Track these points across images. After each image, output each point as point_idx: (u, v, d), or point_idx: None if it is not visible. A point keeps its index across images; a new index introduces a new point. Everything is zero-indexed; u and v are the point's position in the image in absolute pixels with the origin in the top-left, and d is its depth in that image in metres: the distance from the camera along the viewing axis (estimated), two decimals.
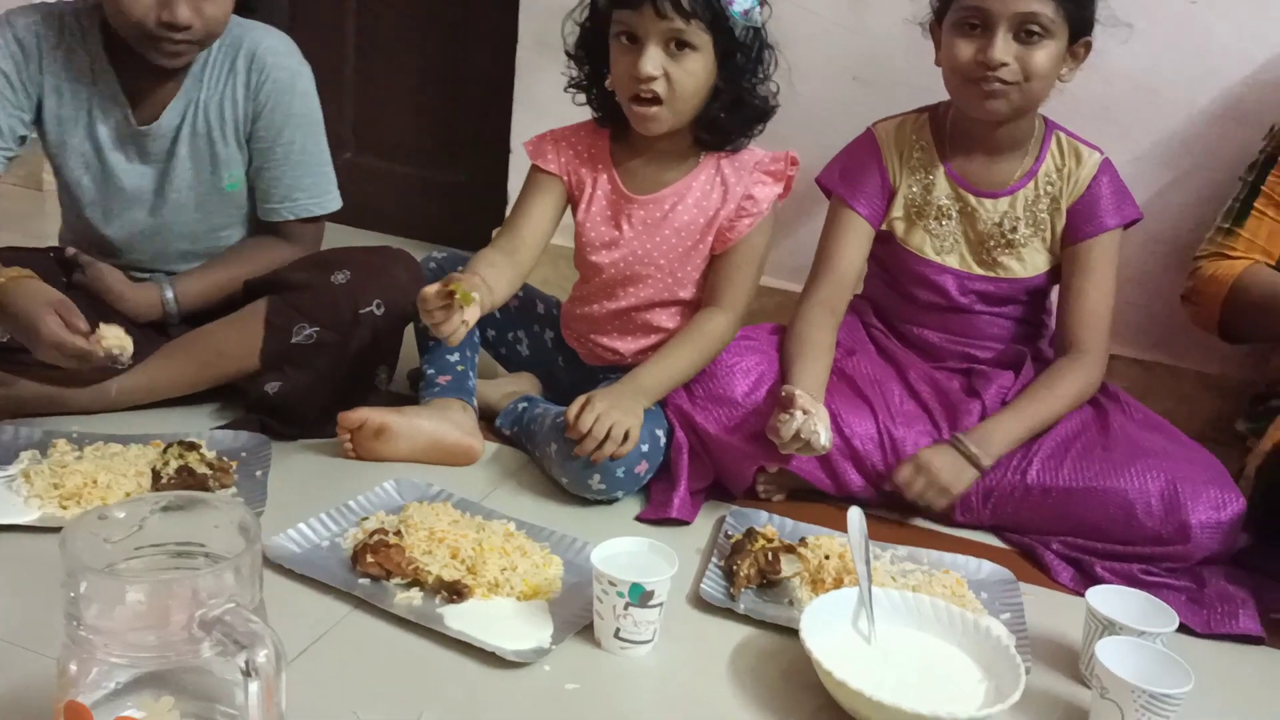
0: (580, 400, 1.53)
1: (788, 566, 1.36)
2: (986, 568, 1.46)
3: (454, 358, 1.71)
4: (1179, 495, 1.47)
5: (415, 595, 1.29)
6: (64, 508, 1.38)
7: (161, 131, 1.69)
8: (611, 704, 1.17)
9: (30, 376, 1.60)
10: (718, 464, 1.60)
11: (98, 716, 0.89)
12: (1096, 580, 1.43)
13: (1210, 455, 1.54)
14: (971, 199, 1.70)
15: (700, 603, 1.34)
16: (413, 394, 1.79)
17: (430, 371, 1.72)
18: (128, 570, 0.94)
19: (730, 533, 1.48)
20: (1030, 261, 1.70)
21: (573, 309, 1.79)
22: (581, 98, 1.67)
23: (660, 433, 1.58)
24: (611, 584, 1.20)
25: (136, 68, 1.64)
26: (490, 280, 1.53)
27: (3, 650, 1.14)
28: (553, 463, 1.58)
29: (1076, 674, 1.28)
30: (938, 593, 1.35)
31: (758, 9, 1.54)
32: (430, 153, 2.74)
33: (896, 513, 1.62)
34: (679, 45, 1.51)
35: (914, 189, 1.72)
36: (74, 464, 1.44)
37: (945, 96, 1.69)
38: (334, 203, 1.83)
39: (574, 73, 1.66)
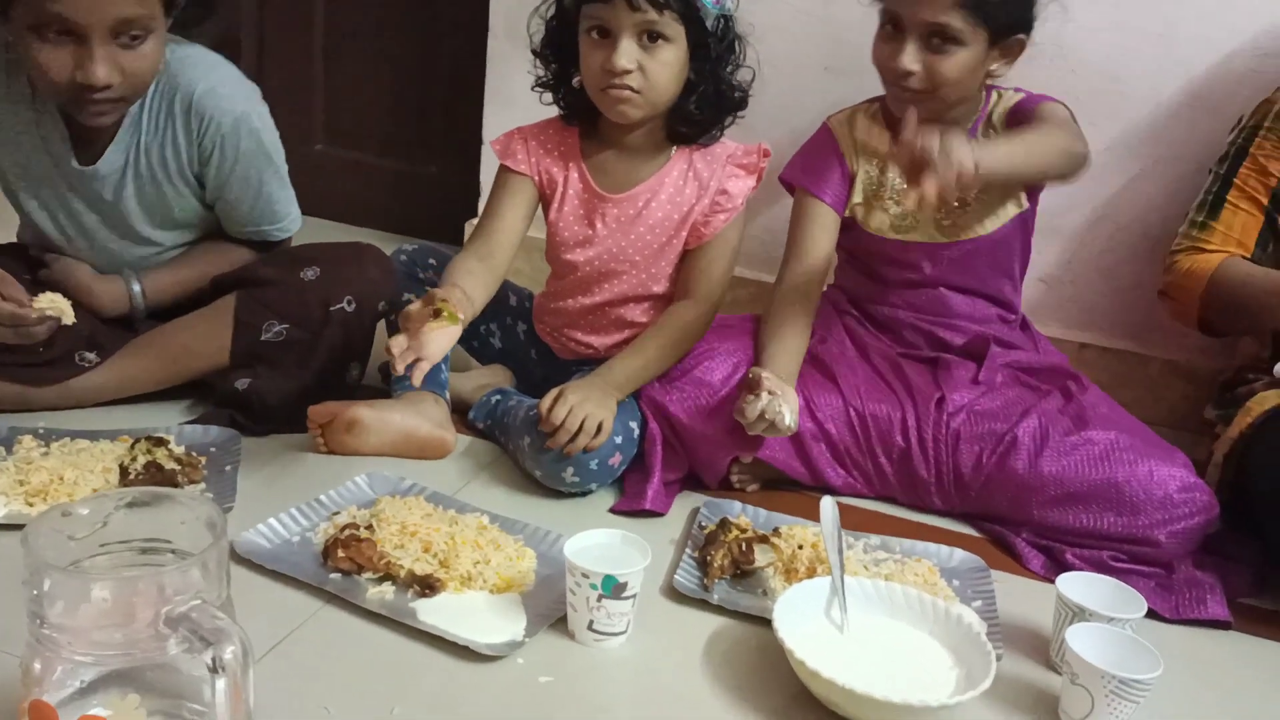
0: (553, 393, 1.53)
1: (761, 556, 1.37)
2: (958, 555, 1.47)
3: None
4: (1152, 483, 1.48)
5: (387, 590, 1.28)
6: (30, 505, 1.36)
7: (105, 173, 1.62)
8: (585, 696, 1.17)
9: None
10: (692, 454, 1.60)
11: (63, 716, 0.88)
12: (1067, 567, 1.44)
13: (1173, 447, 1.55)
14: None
15: (674, 593, 1.34)
16: (384, 387, 1.78)
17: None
18: (92, 567, 0.93)
19: (704, 523, 1.48)
20: (989, 215, 1.71)
21: (545, 303, 1.78)
22: (549, 96, 1.66)
23: (634, 424, 1.58)
24: (585, 576, 1.20)
25: None
26: (470, 290, 1.50)
27: None
28: (526, 456, 1.57)
29: (1047, 660, 1.29)
30: (910, 581, 1.35)
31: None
32: (401, 144, 2.72)
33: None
34: (652, 37, 1.50)
35: (870, 173, 1.74)
36: (40, 460, 1.43)
37: None
38: (294, 225, 1.79)
39: (540, 72, 1.64)
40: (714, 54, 1.55)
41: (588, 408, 1.50)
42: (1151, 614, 1.33)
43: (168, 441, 1.50)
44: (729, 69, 1.59)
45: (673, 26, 1.50)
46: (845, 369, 1.67)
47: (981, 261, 1.73)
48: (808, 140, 1.80)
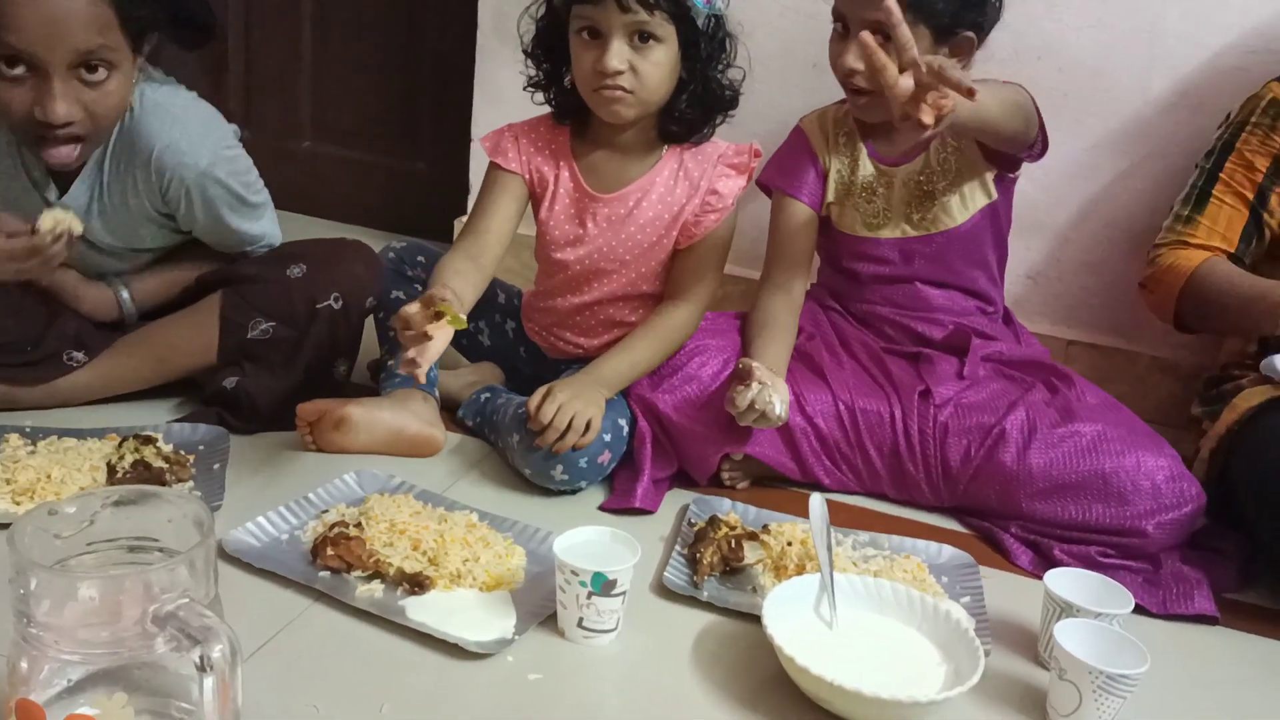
0: (541, 391, 1.53)
1: (750, 553, 1.37)
2: (947, 552, 1.47)
3: None
4: (1140, 474, 1.48)
5: (376, 588, 1.28)
6: (17, 503, 1.36)
7: (73, 205, 1.58)
8: (575, 693, 1.17)
9: None
10: (681, 452, 1.61)
11: (50, 715, 0.88)
12: (1055, 563, 1.45)
13: (1160, 438, 1.56)
14: (890, 168, 1.74)
15: (664, 591, 1.34)
16: (373, 385, 1.78)
17: (391, 363, 1.71)
18: (79, 566, 0.93)
19: (693, 521, 1.48)
20: (958, 208, 1.72)
21: (534, 302, 1.78)
22: (540, 96, 1.65)
23: (623, 422, 1.58)
24: (574, 573, 1.20)
25: None
26: (460, 291, 1.49)
27: None
28: (515, 453, 1.57)
29: (1035, 656, 1.29)
30: (898, 577, 1.36)
31: None
32: (389, 141, 2.72)
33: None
34: (643, 37, 1.50)
35: (842, 171, 1.76)
36: (27, 459, 1.42)
37: None
38: (275, 242, 1.76)
39: (531, 72, 1.63)
40: (705, 53, 1.55)
41: (576, 405, 1.50)
42: (1139, 609, 1.34)
43: (155, 440, 1.49)
44: (720, 68, 1.58)
45: (663, 26, 1.50)
46: (833, 364, 1.68)
47: (954, 254, 1.74)
48: (782, 143, 1.82)
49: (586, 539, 1.26)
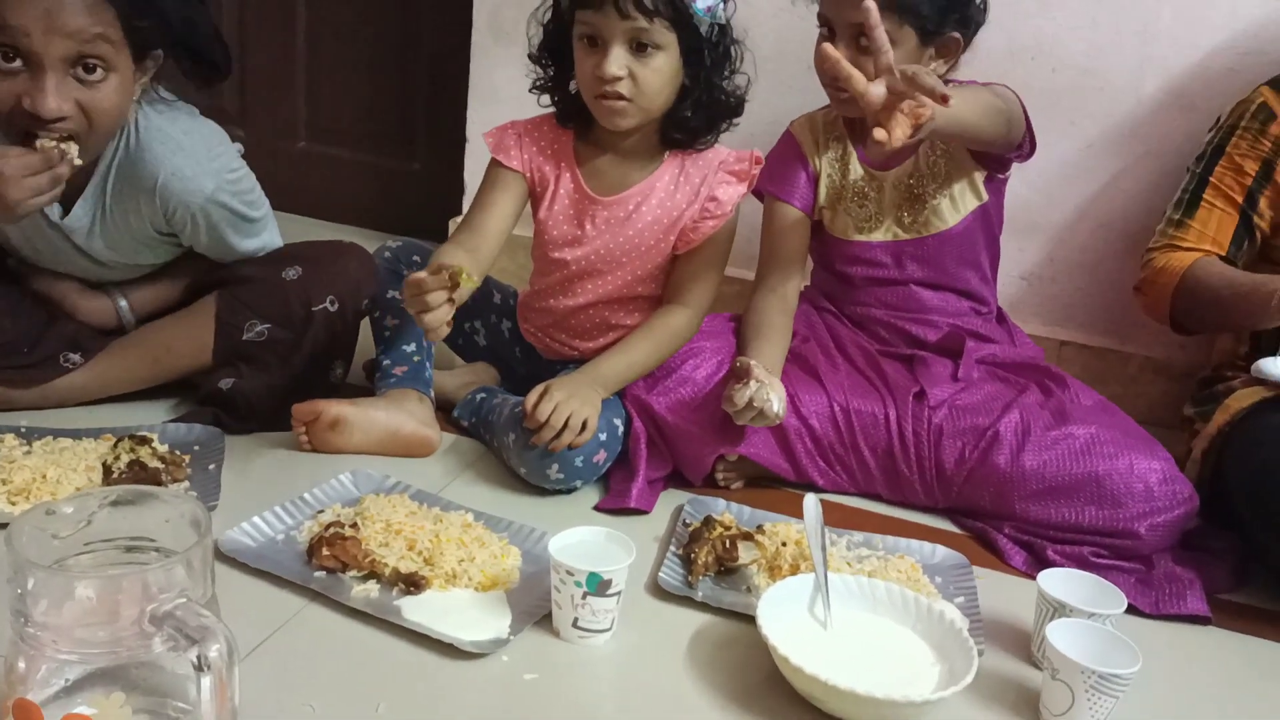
0: (538, 389, 1.53)
1: (745, 553, 1.37)
2: (940, 552, 1.48)
3: (410, 348, 1.70)
4: (1133, 476, 1.49)
5: (372, 588, 1.28)
6: (12, 504, 1.36)
7: (75, 226, 1.59)
8: (570, 693, 1.17)
9: None
10: (676, 452, 1.61)
11: (48, 714, 0.88)
12: (1048, 563, 1.45)
13: (1154, 439, 1.57)
14: (880, 172, 1.74)
15: (658, 591, 1.35)
16: (368, 385, 1.78)
17: (386, 362, 1.71)
18: (76, 566, 0.93)
19: (688, 521, 1.49)
20: (949, 210, 1.73)
21: (530, 302, 1.78)
22: (545, 99, 1.65)
23: (618, 422, 1.58)
24: (569, 573, 1.20)
25: None
26: (457, 255, 1.49)
27: None
28: (511, 452, 1.57)
29: (1029, 656, 1.30)
30: (893, 577, 1.36)
31: (721, 5, 1.53)
32: (384, 141, 2.72)
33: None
34: (643, 45, 1.49)
35: (833, 175, 1.77)
36: (22, 459, 1.42)
37: None
38: (274, 246, 1.75)
39: (537, 75, 1.63)
40: (708, 61, 1.55)
41: (573, 405, 1.51)
42: (1132, 609, 1.34)
43: (151, 440, 1.49)
44: (724, 76, 1.58)
45: (663, 34, 1.49)
46: (828, 366, 1.69)
47: (947, 256, 1.75)
48: (773, 147, 1.82)
49: (581, 539, 1.27)
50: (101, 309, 1.70)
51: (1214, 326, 1.76)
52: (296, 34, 2.70)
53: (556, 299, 1.71)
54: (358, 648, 1.20)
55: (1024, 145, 1.65)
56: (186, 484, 1.47)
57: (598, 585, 1.20)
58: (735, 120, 1.63)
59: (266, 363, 1.63)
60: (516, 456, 1.56)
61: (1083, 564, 1.45)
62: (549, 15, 1.59)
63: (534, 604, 1.28)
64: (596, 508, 1.55)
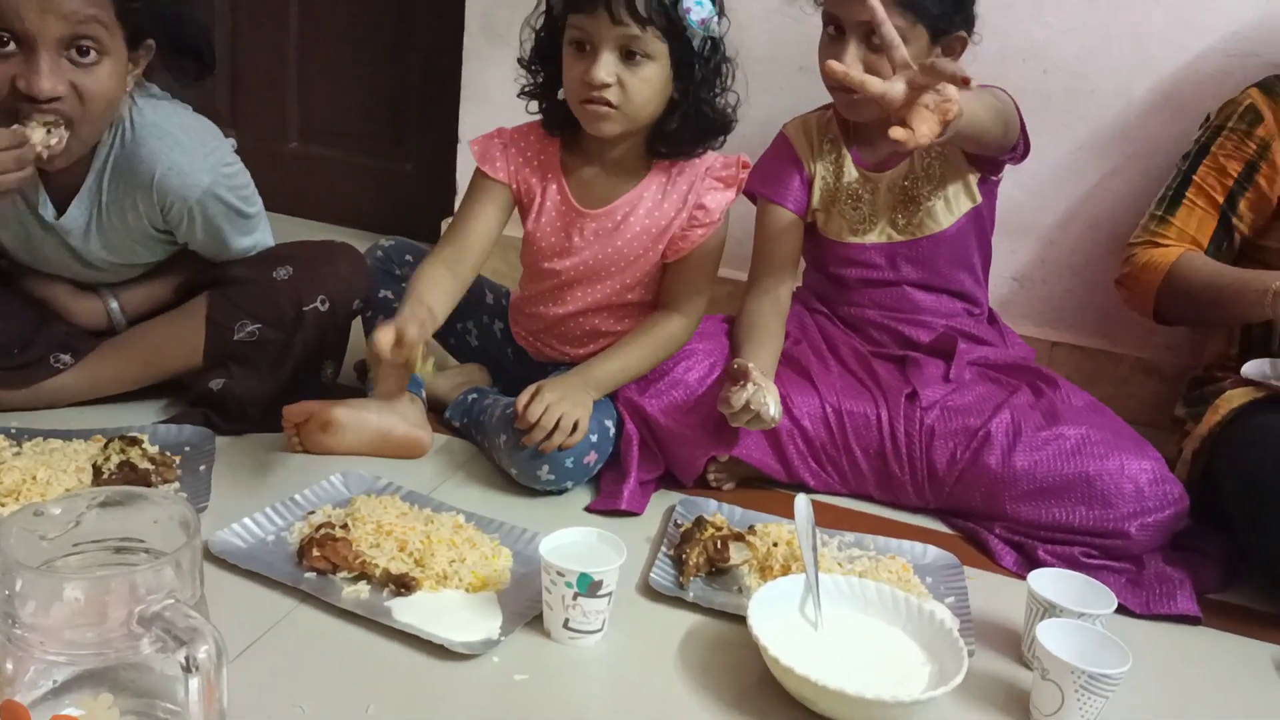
0: (530, 390, 1.53)
1: (736, 554, 1.37)
2: (931, 553, 1.48)
3: None
4: (1123, 477, 1.49)
5: (362, 589, 1.28)
6: (2, 505, 1.35)
7: (69, 227, 1.59)
8: (561, 694, 1.17)
9: None
10: (668, 454, 1.61)
11: (36, 715, 0.88)
12: (1039, 563, 1.45)
13: (1143, 439, 1.57)
14: (875, 175, 1.74)
15: (650, 591, 1.35)
16: (360, 386, 1.78)
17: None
18: (65, 567, 0.93)
19: (680, 521, 1.49)
20: (943, 212, 1.73)
21: (521, 307, 1.78)
22: (534, 105, 1.64)
23: (609, 423, 1.58)
24: (560, 574, 1.20)
25: None
26: (436, 305, 1.49)
27: None
28: (502, 453, 1.57)
29: (1019, 656, 1.30)
30: (884, 578, 1.36)
31: (716, 20, 1.52)
32: (377, 142, 2.72)
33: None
34: (633, 53, 1.48)
35: (827, 177, 1.77)
36: (12, 460, 1.41)
37: None
38: (266, 245, 1.75)
39: (526, 80, 1.62)
40: (699, 75, 1.53)
41: (564, 406, 1.50)
42: (1122, 609, 1.35)
43: (141, 441, 1.49)
44: (714, 92, 1.57)
45: (655, 44, 1.48)
46: (820, 368, 1.69)
47: (940, 257, 1.75)
48: (766, 149, 1.82)
49: (573, 540, 1.27)
50: (92, 310, 1.70)
51: (1198, 320, 1.77)
52: (289, 35, 2.70)
53: (547, 306, 1.71)
54: (348, 649, 1.20)
55: (1018, 147, 1.65)
56: (177, 485, 1.46)
57: (588, 586, 1.20)
58: (723, 138, 1.62)
59: (257, 363, 1.63)
60: (507, 457, 1.56)
61: (1073, 564, 1.45)
62: (542, 21, 1.58)
63: (525, 605, 1.28)
64: (588, 509, 1.55)
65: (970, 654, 1.20)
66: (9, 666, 0.88)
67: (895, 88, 1.30)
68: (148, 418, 1.64)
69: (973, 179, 1.72)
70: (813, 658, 1.14)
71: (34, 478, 1.38)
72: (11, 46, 1.39)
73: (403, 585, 1.27)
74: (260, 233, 1.73)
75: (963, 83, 1.27)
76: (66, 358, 1.63)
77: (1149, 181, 1.95)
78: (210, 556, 1.29)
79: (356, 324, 1.75)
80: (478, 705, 1.14)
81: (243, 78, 2.75)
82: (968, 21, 1.64)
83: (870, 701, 1.09)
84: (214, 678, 0.85)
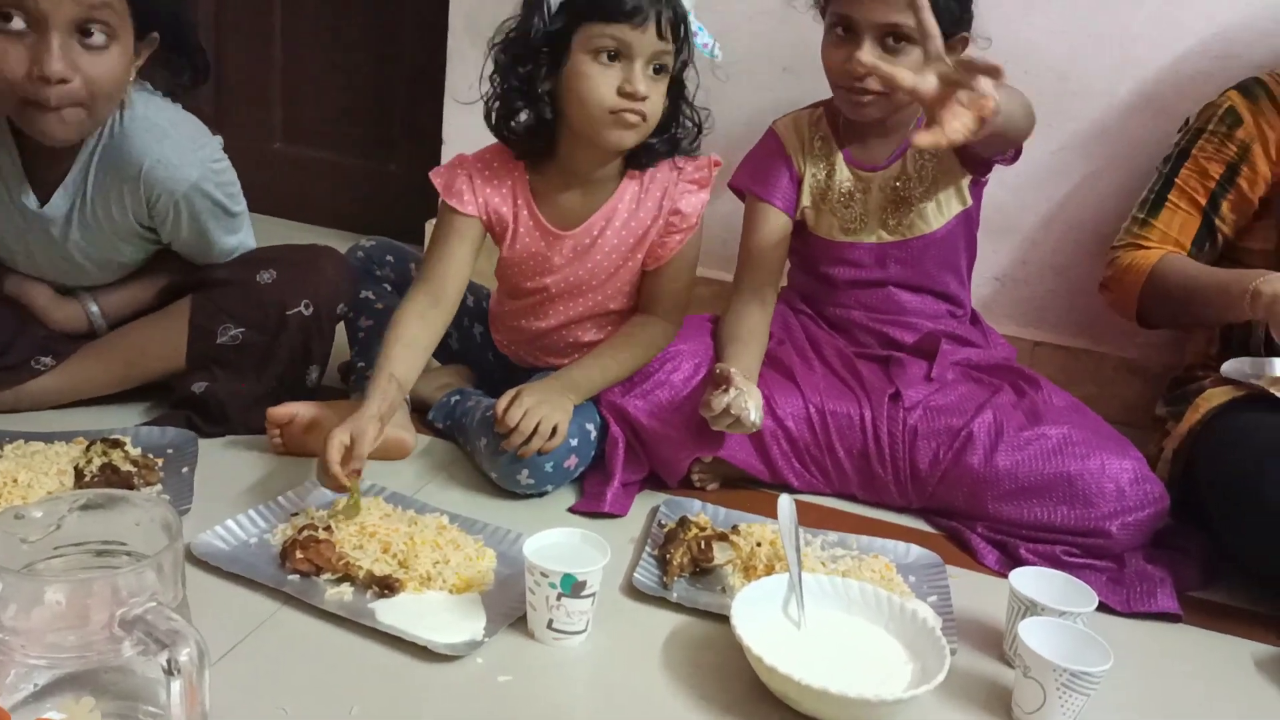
0: (510, 394, 1.53)
1: (720, 554, 1.38)
2: (914, 552, 1.49)
3: None
4: (1104, 476, 1.50)
5: (346, 590, 1.28)
6: None
7: (52, 216, 1.57)
8: (545, 695, 1.17)
9: None
10: (652, 456, 1.61)
11: (16, 719, 0.88)
12: (1021, 562, 1.46)
13: (1124, 438, 1.58)
14: (867, 174, 1.75)
15: (634, 592, 1.35)
16: (343, 388, 1.78)
17: (361, 365, 1.71)
18: (46, 570, 0.93)
19: (663, 522, 1.49)
20: (934, 213, 1.74)
21: (501, 319, 1.77)
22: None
23: (590, 427, 1.58)
24: (544, 575, 1.20)
25: (35, 144, 1.52)
26: (407, 372, 1.50)
27: None
28: (482, 457, 1.57)
29: (1001, 654, 1.30)
30: (867, 577, 1.37)
31: (717, 45, 1.54)
32: (360, 142, 2.71)
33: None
34: (662, 68, 1.49)
35: (818, 176, 1.77)
36: None
37: None
38: (249, 247, 1.74)
39: (494, 94, 1.55)
40: (682, 90, 1.55)
41: (543, 410, 1.50)
42: (1103, 607, 1.35)
43: (124, 443, 1.48)
44: (689, 108, 1.58)
45: (672, 60, 1.50)
46: (803, 368, 1.69)
47: (929, 259, 1.76)
48: (755, 146, 1.82)
49: (556, 541, 1.27)
50: (72, 314, 1.69)
51: (1180, 321, 1.78)
52: (273, 36, 2.69)
53: (528, 320, 1.70)
54: (332, 651, 1.20)
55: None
56: (159, 487, 1.46)
57: (572, 587, 1.20)
58: (698, 143, 1.62)
59: (240, 366, 1.63)
60: (487, 461, 1.56)
61: (1055, 563, 1.45)
62: (539, 25, 1.49)
63: (509, 606, 1.28)
64: (572, 510, 1.55)
65: (952, 652, 1.20)
66: None
67: (928, 81, 1.29)
68: (130, 420, 1.63)
69: (964, 181, 1.73)
70: (796, 657, 1.14)
71: (15, 480, 1.37)
72: (23, 26, 1.38)
73: (386, 587, 1.27)
74: (245, 233, 1.73)
75: (997, 73, 1.26)
76: (48, 360, 1.62)
77: (1131, 182, 1.97)
78: (193, 559, 1.29)
79: (340, 327, 1.75)
80: (461, 706, 1.14)
81: (227, 79, 2.74)
82: (970, 21, 1.65)
83: (853, 700, 1.09)
84: (196, 680, 0.85)
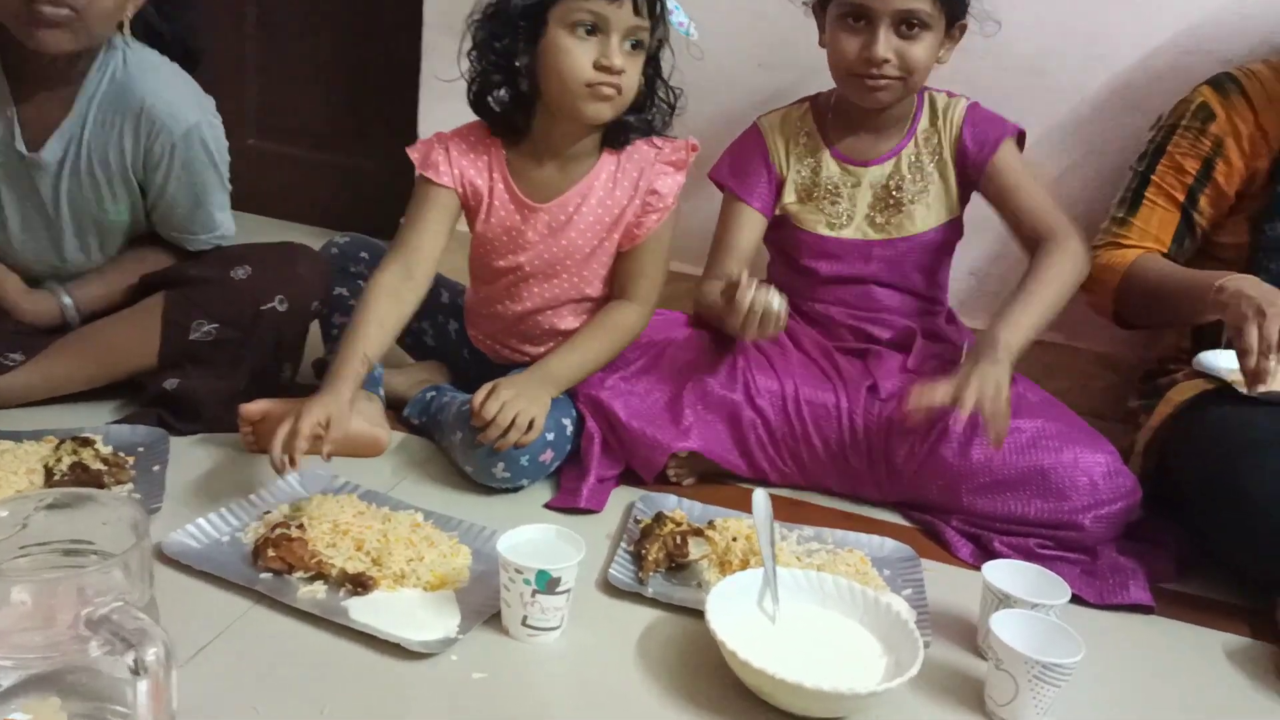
0: (486, 387, 1.52)
1: (695, 549, 1.37)
2: (889, 545, 1.49)
3: None
4: (1077, 469, 1.51)
5: (319, 589, 1.27)
6: None
7: (45, 162, 1.57)
8: (520, 692, 1.17)
9: None
10: (630, 451, 1.61)
11: None
12: (995, 555, 1.47)
13: (1096, 432, 1.59)
14: (858, 170, 1.75)
15: (609, 587, 1.35)
16: (318, 385, 1.76)
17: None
18: (12, 570, 0.92)
19: (639, 517, 1.49)
20: (922, 217, 1.75)
21: (477, 309, 1.76)
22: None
23: (567, 421, 1.58)
24: (518, 571, 1.20)
25: (29, 80, 1.53)
26: (376, 349, 1.50)
27: None
28: (458, 451, 1.57)
29: (975, 647, 1.31)
30: (842, 571, 1.37)
31: (692, 24, 1.55)
32: (336, 138, 2.70)
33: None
34: (638, 43, 1.50)
35: (803, 173, 1.77)
36: None
37: None
38: (227, 237, 1.74)
39: (474, 71, 1.57)
40: (658, 68, 1.57)
41: (520, 404, 1.50)
42: (1077, 599, 1.37)
43: (94, 442, 1.47)
44: (664, 86, 1.60)
45: (648, 36, 1.51)
46: (780, 358, 1.69)
47: (911, 260, 1.77)
48: (737, 139, 1.82)
49: (531, 537, 1.26)
50: (45, 308, 1.67)
51: (1155, 321, 1.78)
52: (247, 28, 2.67)
53: (503, 304, 1.70)
54: (304, 650, 1.19)
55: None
56: (130, 486, 1.45)
57: (547, 583, 1.20)
58: (667, 123, 1.62)
59: (214, 363, 1.62)
60: (463, 455, 1.55)
61: (1028, 555, 1.46)
62: (519, 4, 1.50)
63: (483, 603, 1.27)
64: (547, 506, 1.54)
65: (927, 645, 1.21)
66: None
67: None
68: (101, 418, 1.62)
69: (956, 191, 1.74)
70: (770, 651, 1.14)
71: None
72: None
73: (359, 585, 1.27)
74: (227, 214, 1.72)
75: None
76: (17, 356, 1.60)
77: (1104, 177, 1.98)
78: (164, 558, 1.28)
79: (315, 324, 1.74)
80: (436, 704, 1.13)
81: (200, 73, 2.70)
82: (967, 8, 1.68)
83: (827, 694, 1.10)
84: (163, 680, 0.84)
